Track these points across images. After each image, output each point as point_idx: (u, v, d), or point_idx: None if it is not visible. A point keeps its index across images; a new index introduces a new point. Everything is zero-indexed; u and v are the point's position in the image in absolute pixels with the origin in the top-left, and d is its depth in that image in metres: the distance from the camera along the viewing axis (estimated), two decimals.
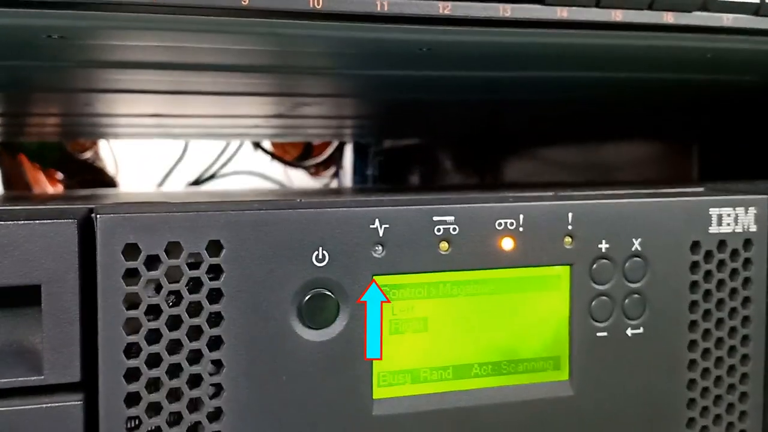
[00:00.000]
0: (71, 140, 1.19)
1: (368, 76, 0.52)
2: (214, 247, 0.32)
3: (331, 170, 1.44)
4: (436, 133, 1.18)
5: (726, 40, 0.40)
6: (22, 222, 0.30)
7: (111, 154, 1.33)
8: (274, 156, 1.38)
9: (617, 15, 0.36)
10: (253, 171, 1.43)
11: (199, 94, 0.59)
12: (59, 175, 1.23)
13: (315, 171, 1.46)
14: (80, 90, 0.56)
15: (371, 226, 0.34)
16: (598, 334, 0.37)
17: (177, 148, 1.35)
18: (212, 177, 1.39)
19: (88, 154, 1.24)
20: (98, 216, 0.30)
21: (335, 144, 1.38)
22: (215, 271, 0.32)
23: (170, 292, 0.31)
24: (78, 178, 1.21)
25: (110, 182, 1.28)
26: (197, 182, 1.37)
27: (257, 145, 1.31)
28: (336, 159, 1.41)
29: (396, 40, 0.38)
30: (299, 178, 1.47)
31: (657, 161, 0.79)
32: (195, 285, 0.32)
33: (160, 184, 1.36)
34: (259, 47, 0.40)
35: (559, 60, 0.45)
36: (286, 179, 1.47)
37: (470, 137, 1.14)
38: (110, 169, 1.32)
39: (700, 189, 0.40)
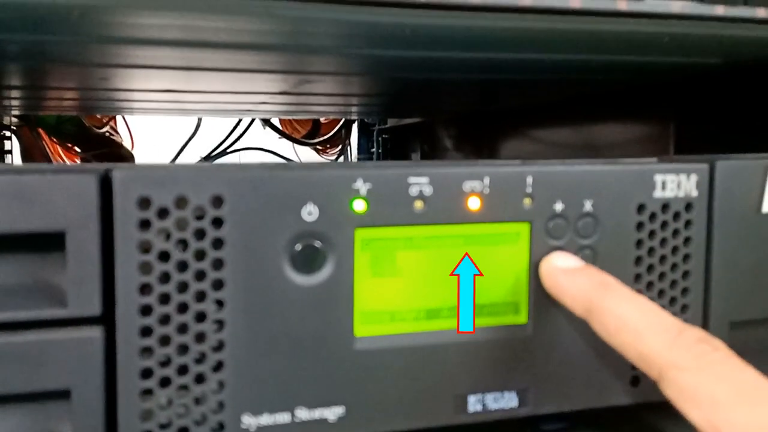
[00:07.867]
0: (88, 115, 1.23)
1: (367, 55, 0.55)
2: (217, 201, 0.35)
3: (338, 148, 1.48)
4: (437, 113, 1.21)
5: (678, 25, 0.43)
6: (50, 175, 0.34)
7: (127, 129, 1.37)
8: (283, 134, 1.42)
9: (575, 2, 0.40)
10: (263, 148, 1.47)
11: (211, 70, 0.62)
12: (77, 150, 1.27)
13: (322, 148, 1.50)
14: (97, 65, 0.59)
15: (354, 186, 0.38)
16: None
17: (190, 124, 1.40)
18: (224, 153, 1.43)
19: (104, 129, 1.28)
20: (115, 172, 0.34)
21: (342, 122, 1.41)
22: (218, 222, 0.36)
23: (179, 240, 0.35)
24: (95, 152, 1.26)
25: (126, 156, 1.32)
26: (209, 157, 1.41)
27: (267, 122, 1.35)
28: (342, 137, 1.45)
29: (380, 23, 0.41)
30: (307, 156, 1.51)
31: (641, 141, 0.82)
32: (200, 234, 0.35)
33: (174, 158, 1.40)
34: (267, 27, 0.44)
35: (526, 43, 0.49)
36: (295, 156, 1.51)
37: (468, 117, 1.17)
38: (126, 144, 1.37)
39: (652, 159, 0.44)
